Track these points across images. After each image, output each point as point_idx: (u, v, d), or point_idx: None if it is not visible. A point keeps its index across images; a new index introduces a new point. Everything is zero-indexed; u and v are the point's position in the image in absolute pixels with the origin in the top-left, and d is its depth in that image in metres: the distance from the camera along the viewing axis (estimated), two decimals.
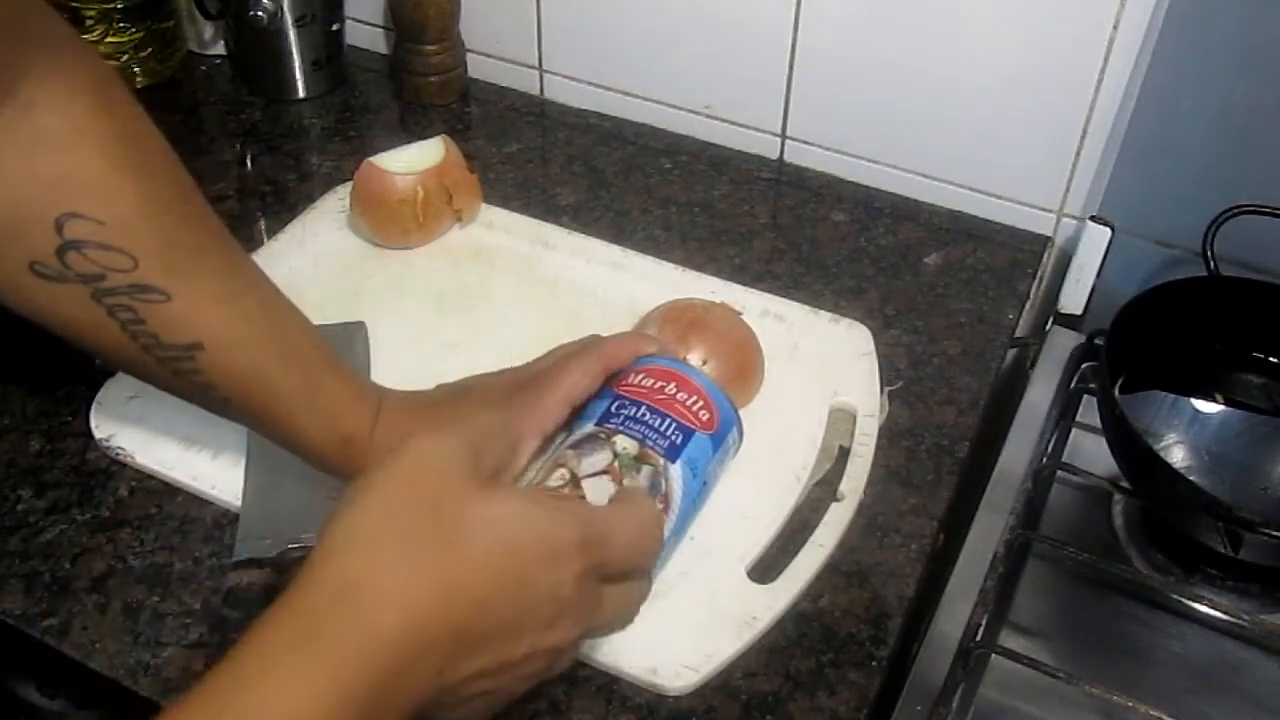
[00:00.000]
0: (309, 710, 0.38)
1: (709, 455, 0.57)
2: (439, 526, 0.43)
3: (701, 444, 0.57)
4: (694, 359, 0.69)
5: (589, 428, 0.56)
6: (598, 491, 0.53)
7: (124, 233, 0.53)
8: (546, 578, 0.45)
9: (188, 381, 0.57)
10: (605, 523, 0.48)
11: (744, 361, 0.72)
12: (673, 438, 0.56)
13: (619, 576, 0.49)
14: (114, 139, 0.53)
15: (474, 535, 0.43)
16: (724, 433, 0.59)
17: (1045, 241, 0.89)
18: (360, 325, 0.76)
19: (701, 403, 0.58)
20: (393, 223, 0.82)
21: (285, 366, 0.58)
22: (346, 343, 0.74)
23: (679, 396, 0.57)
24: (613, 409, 0.57)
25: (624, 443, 0.55)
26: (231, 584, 0.61)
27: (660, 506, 0.54)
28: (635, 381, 0.58)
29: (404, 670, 0.41)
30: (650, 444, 0.55)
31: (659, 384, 0.58)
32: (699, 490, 0.57)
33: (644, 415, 0.56)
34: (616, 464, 0.54)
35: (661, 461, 0.55)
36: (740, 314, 0.75)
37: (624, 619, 0.51)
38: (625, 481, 0.54)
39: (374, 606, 0.40)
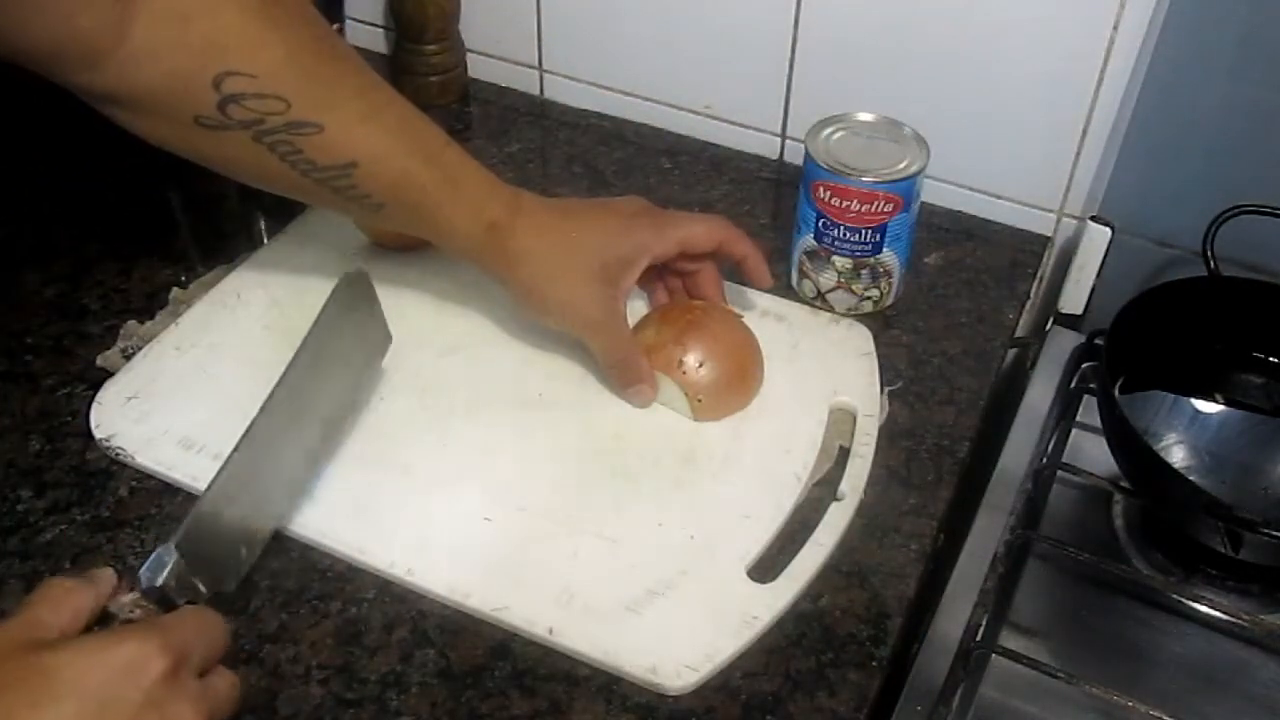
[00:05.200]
0: None
1: (908, 219, 0.76)
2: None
3: (898, 221, 0.75)
4: (690, 360, 0.70)
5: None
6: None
7: (274, 80, 0.60)
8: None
9: (345, 195, 0.65)
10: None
11: (742, 364, 0.72)
12: (874, 240, 0.75)
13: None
14: None
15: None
16: (909, 196, 0.74)
17: (1045, 241, 0.89)
18: (361, 274, 0.69)
19: (883, 200, 0.73)
20: None
21: (429, 167, 0.66)
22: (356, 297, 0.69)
23: (862, 210, 0.74)
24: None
25: (841, 261, 0.77)
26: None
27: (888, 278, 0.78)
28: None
29: None
30: (860, 255, 0.76)
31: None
32: (912, 224, 0.77)
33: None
34: (841, 277, 0.77)
35: (870, 260, 0.76)
36: (740, 316, 0.75)
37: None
38: (854, 286, 0.78)
39: None
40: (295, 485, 0.65)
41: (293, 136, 0.61)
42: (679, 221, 0.72)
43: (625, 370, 0.71)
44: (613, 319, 0.70)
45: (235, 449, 0.59)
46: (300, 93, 0.61)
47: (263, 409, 0.60)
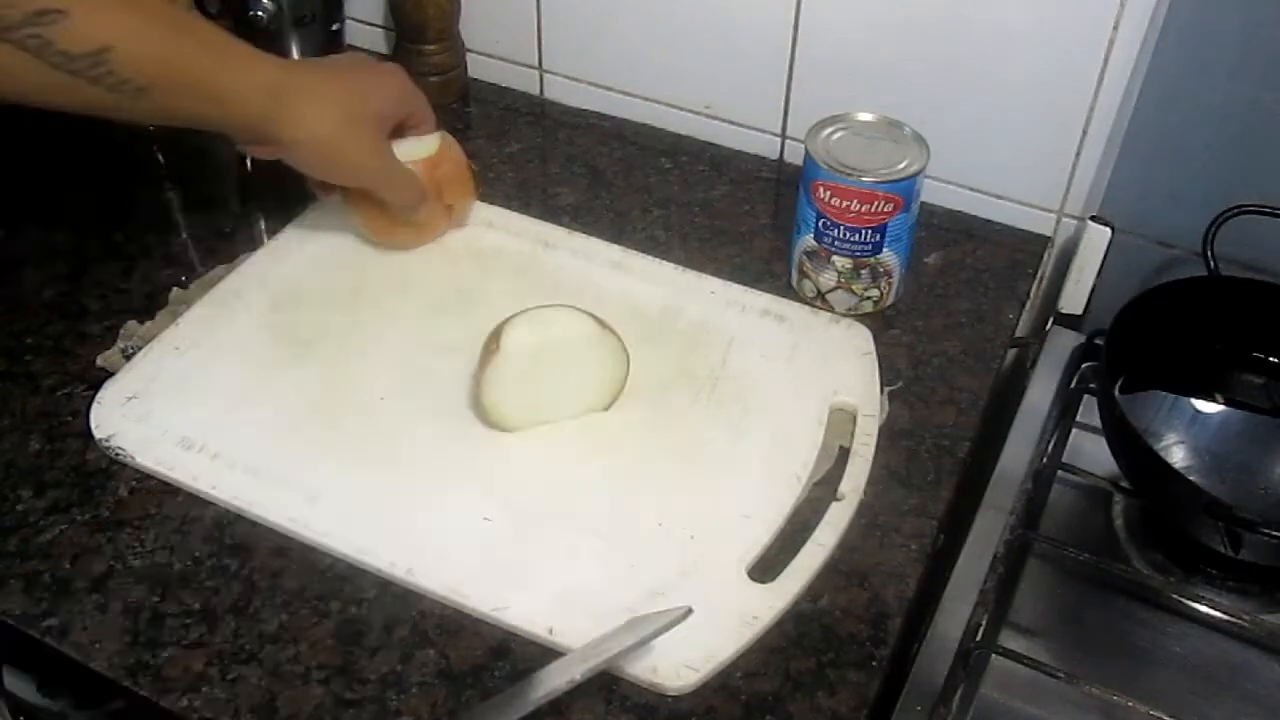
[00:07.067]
0: None
1: (907, 219, 0.76)
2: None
3: (898, 221, 0.75)
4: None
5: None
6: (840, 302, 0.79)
7: None
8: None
9: (104, 85, 0.63)
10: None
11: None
12: (874, 240, 0.76)
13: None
14: None
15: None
16: (909, 196, 0.75)
17: (1045, 241, 0.89)
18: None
19: (883, 200, 0.74)
20: (380, 214, 0.81)
21: (192, 40, 0.66)
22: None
23: (862, 210, 0.74)
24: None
25: (841, 261, 0.77)
26: None
27: (888, 278, 0.79)
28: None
29: None
30: (860, 255, 0.77)
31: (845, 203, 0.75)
32: (912, 224, 0.77)
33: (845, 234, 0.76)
34: (841, 277, 0.78)
35: (870, 260, 0.77)
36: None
37: None
38: (854, 286, 0.78)
39: None
40: None
41: (39, 28, 0.60)
42: (418, 99, 0.79)
43: (417, 207, 0.79)
44: (395, 164, 0.76)
45: None
46: None
47: None
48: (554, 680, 0.56)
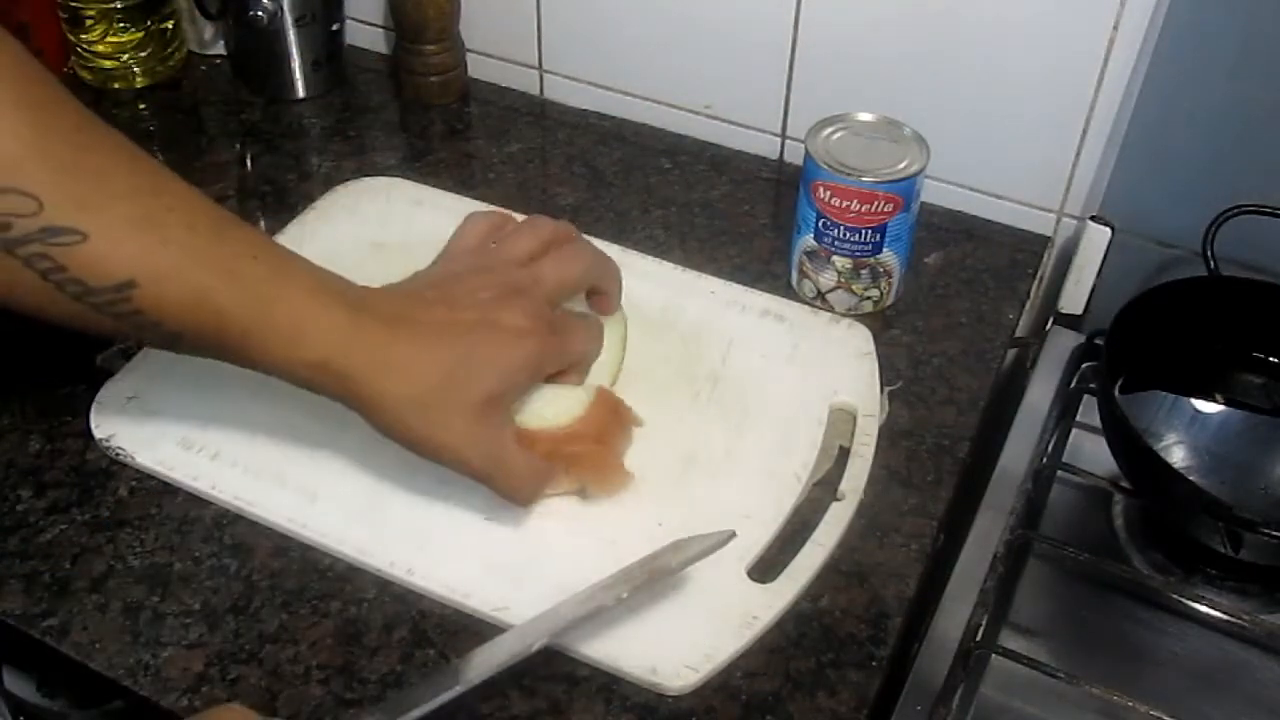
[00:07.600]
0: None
1: (907, 219, 0.76)
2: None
3: (898, 221, 0.75)
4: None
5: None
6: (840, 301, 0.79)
7: (18, 172, 0.49)
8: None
9: (131, 323, 0.53)
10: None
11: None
12: (874, 240, 0.76)
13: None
14: None
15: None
16: (909, 196, 0.74)
17: (1045, 241, 0.89)
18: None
19: (883, 200, 0.73)
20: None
21: (228, 284, 0.53)
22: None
23: (862, 210, 0.74)
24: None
25: (841, 261, 0.77)
26: None
27: (888, 278, 0.78)
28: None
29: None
30: (860, 255, 0.77)
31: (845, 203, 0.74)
32: (912, 224, 0.77)
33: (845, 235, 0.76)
34: (841, 277, 0.78)
35: (870, 260, 0.77)
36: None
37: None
38: (854, 286, 0.78)
39: None
40: None
41: (50, 248, 0.49)
42: (574, 346, 0.65)
43: (536, 499, 0.65)
44: (505, 461, 0.60)
45: None
46: (55, 190, 0.49)
47: None
48: (601, 598, 0.58)
